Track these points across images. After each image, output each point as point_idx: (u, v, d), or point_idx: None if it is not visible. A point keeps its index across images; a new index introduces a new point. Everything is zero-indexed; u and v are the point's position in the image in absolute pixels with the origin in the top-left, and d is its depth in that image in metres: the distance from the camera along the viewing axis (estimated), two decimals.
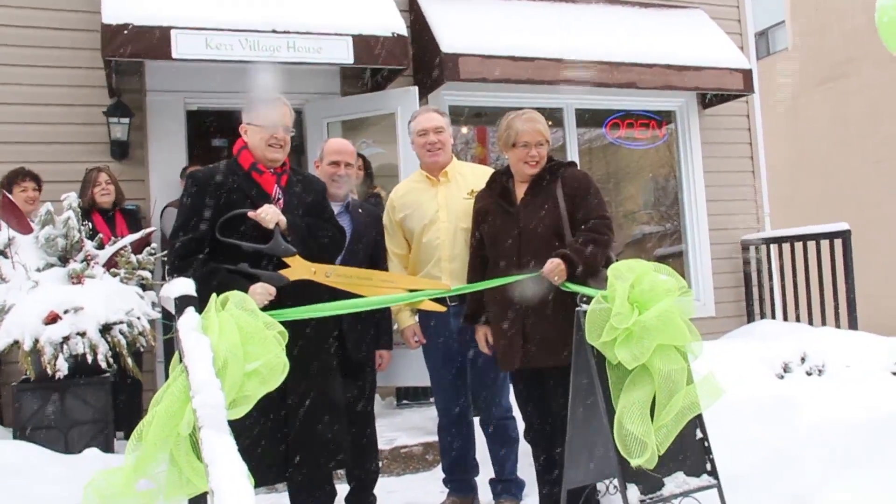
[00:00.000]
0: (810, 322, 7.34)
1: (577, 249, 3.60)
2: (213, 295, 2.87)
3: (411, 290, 3.83)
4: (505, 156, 4.06)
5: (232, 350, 2.67)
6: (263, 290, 3.20)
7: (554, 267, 3.56)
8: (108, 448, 4.55)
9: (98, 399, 4.68)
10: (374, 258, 4.28)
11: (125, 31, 5.38)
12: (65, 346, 4.44)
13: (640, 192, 8.48)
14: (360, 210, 4.35)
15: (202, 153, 7.58)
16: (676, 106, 8.21)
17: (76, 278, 4.72)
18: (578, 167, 4.15)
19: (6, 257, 4.71)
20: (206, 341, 2.64)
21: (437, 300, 3.88)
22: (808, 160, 14.73)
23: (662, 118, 8.25)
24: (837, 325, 7.10)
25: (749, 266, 8.17)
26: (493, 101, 7.22)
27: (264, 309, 2.97)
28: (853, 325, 7.02)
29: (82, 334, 4.49)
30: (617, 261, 3.60)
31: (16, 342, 4.42)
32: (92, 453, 4.23)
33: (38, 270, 4.67)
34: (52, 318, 4.43)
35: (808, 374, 5.10)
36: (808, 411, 4.24)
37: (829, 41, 14.46)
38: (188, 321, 2.75)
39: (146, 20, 5.45)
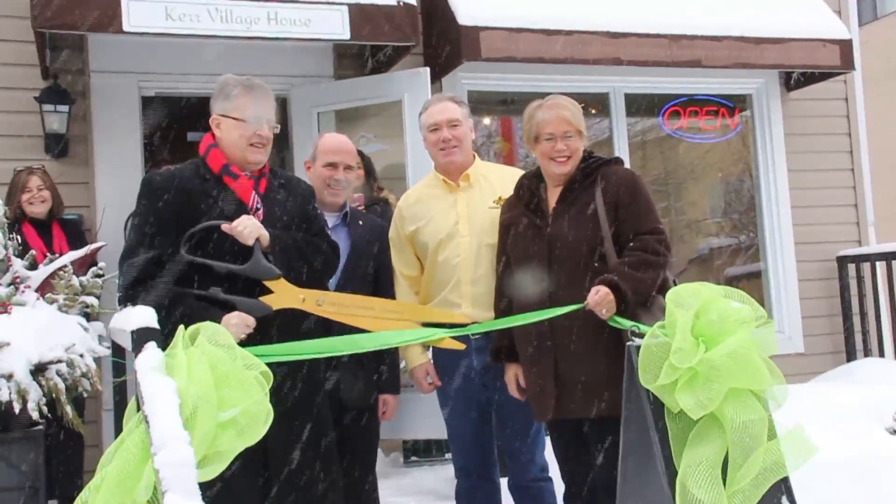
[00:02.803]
0: None
1: (626, 275, 3.63)
2: (181, 327, 2.92)
3: (424, 324, 3.86)
4: (534, 154, 4.11)
5: (203, 395, 2.70)
6: (240, 321, 3.25)
7: (601, 298, 3.59)
8: None
9: (26, 459, 4.65)
10: (378, 281, 4.36)
11: None
12: None
13: (707, 197, 8.52)
14: (360, 222, 4.41)
15: (175, 150, 7.69)
16: (753, 88, 8.26)
17: (0, 307, 4.78)
18: (626, 165, 4.17)
19: None
20: (172, 384, 2.68)
21: (456, 337, 3.88)
22: None
23: (735, 104, 8.31)
24: None
25: (848, 290, 8.17)
26: (521, 85, 7.32)
27: (242, 344, 3.02)
28: None
29: (8, 377, 4.53)
30: (676, 283, 3.64)
31: None
32: None
33: None
34: None
35: None
36: None
37: None
38: (149, 359, 2.79)
39: None
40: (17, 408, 4.45)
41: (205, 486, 2.49)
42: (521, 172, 4.30)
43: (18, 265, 4.93)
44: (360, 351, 3.67)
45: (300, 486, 3.41)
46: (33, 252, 5.23)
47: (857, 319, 8.13)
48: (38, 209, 5.75)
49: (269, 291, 3.39)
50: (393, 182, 6.51)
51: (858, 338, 8.10)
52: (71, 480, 5.52)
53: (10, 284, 4.85)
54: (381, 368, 4.33)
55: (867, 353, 8.01)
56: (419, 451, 6.53)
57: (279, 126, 3.66)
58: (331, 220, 4.14)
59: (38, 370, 4.60)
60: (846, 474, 4.26)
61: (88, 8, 5.46)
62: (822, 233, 8.27)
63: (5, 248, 4.89)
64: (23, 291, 4.85)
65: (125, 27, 5.51)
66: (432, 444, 6.40)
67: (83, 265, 5.25)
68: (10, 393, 4.45)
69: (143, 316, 2.98)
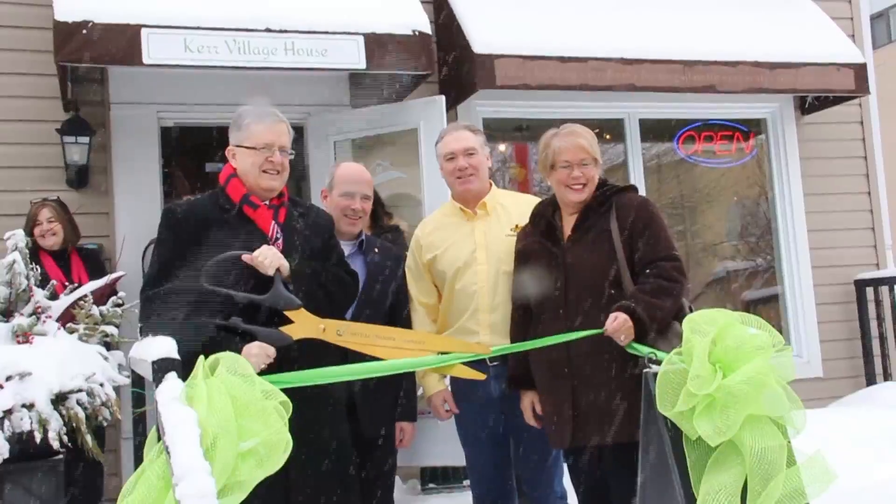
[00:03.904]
0: None
1: (644, 301, 3.64)
2: (201, 357, 2.93)
3: (442, 353, 3.87)
4: (549, 182, 4.13)
5: (223, 425, 2.71)
6: (261, 352, 3.25)
7: (619, 325, 3.59)
8: None
9: (47, 488, 4.67)
10: (394, 308, 4.37)
11: (84, 31, 5.47)
12: (6, 422, 4.48)
13: (723, 220, 8.51)
14: (375, 250, 4.43)
15: (195, 180, 7.74)
16: (768, 113, 8.28)
17: (22, 336, 4.79)
18: (641, 191, 4.18)
19: None
20: (192, 415, 2.70)
21: (474, 365, 3.87)
22: None
23: (750, 128, 8.32)
24: None
25: (866, 313, 8.14)
26: (536, 112, 7.36)
27: (262, 374, 3.03)
28: None
29: (29, 407, 4.54)
30: (693, 309, 3.65)
31: None
32: None
33: None
34: None
35: None
36: None
37: None
38: (170, 390, 2.81)
39: (110, 17, 5.55)
40: (38, 437, 4.47)
41: None
42: (536, 200, 4.32)
43: (40, 295, 4.96)
44: (376, 375, 3.66)
45: (324, 501, 3.41)
46: (54, 282, 5.27)
47: (875, 343, 8.10)
48: (49, 242, 5.80)
49: (289, 321, 3.40)
50: (409, 210, 6.54)
51: (878, 361, 8.06)
52: None
53: (31, 314, 4.88)
54: (399, 396, 4.33)
55: (886, 377, 7.98)
56: (437, 478, 6.50)
57: (294, 153, 3.68)
58: (347, 248, 4.15)
59: (59, 399, 4.61)
60: (868, 501, 4.23)
61: (109, 41, 5.52)
62: (839, 256, 8.25)
63: (27, 278, 4.93)
64: (44, 321, 4.88)
65: (145, 60, 5.56)
66: (450, 471, 6.38)
67: (103, 295, 5.28)
68: (31, 423, 4.47)
69: (164, 346, 2.98)
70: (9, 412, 4.45)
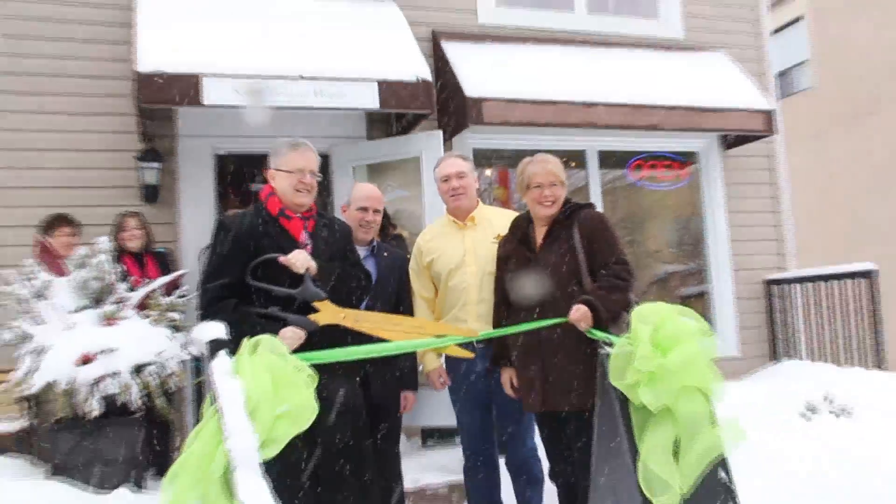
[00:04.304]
0: (836, 362, 7.29)
1: (600, 296, 3.63)
2: (245, 339, 2.93)
3: (439, 336, 3.86)
4: (525, 200, 4.11)
5: (263, 393, 2.72)
6: (293, 335, 3.25)
7: (581, 315, 3.59)
8: (138, 486, 4.60)
9: (130, 438, 4.72)
10: (399, 300, 4.35)
11: (158, 80, 5.50)
12: (98, 387, 4.51)
13: (664, 232, 8.50)
14: (385, 254, 4.42)
15: (241, 197, 7.74)
16: (699, 147, 8.27)
17: (109, 320, 4.81)
18: (598, 208, 4.17)
19: (43, 300, 4.82)
20: (238, 384, 2.70)
21: (464, 346, 3.89)
22: (833, 199, 14.67)
23: (685, 159, 8.30)
24: (865, 366, 7.03)
25: (773, 306, 8.16)
26: (515, 143, 7.31)
27: (294, 353, 3.03)
28: (881, 365, 6.95)
29: (114, 375, 4.57)
30: (638, 302, 3.65)
31: (51, 383, 4.51)
32: (121, 493, 4.28)
33: (73, 312, 4.77)
34: (86, 360, 4.52)
35: (835, 415, 5.06)
36: (834, 455, 4.22)
37: (852, 80, 14.46)
38: (221, 364, 2.81)
39: (178, 68, 5.56)
40: (121, 400, 4.55)
41: (265, 465, 2.50)
42: (515, 214, 4.31)
43: (121, 288, 5.00)
44: (385, 354, 3.65)
45: (344, 456, 3.40)
46: (132, 278, 5.29)
47: (780, 330, 8.12)
48: (133, 244, 5.78)
49: (315, 310, 3.39)
50: (412, 222, 6.53)
51: (781, 344, 8.08)
52: (163, 456, 5.51)
53: (115, 303, 4.90)
54: (403, 370, 4.32)
55: (788, 356, 7.99)
56: (434, 436, 6.51)
57: (321, 176, 3.67)
58: (362, 252, 4.14)
59: (137, 370, 4.67)
60: (770, 453, 4.25)
61: (176, 88, 5.53)
62: (752, 261, 8.27)
63: (112, 274, 4.94)
64: (125, 309, 4.91)
65: (204, 102, 5.57)
66: (445, 431, 6.36)
67: (170, 288, 5.28)
68: (116, 387, 4.54)
69: (216, 330, 2.98)
70: (99, 379, 4.53)
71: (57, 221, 5.70)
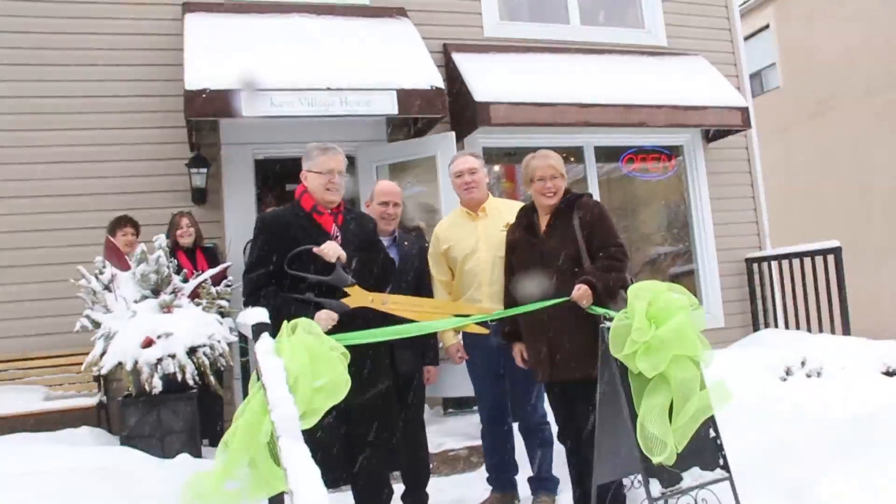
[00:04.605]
0: (809, 330, 7.25)
1: (599, 276, 3.59)
2: (284, 322, 2.92)
3: (457, 316, 3.84)
4: (529, 192, 4.07)
5: (302, 369, 2.71)
6: (327, 317, 3.24)
7: (582, 293, 3.55)
8: (196, 453, 4.63)
9: (187, 411, 4.76)
10: (419, 284, 4.32)
11: (203, 95, 5.50)
12: (158, 367, 4.55)
13: (654, 218, 8.43)
14: (406, 243, 4.40)
15: (278, 196, 7.74)
16: (684, 141, 8.17)
17: (166, 308, 4.82)
18: (595, 197, 4.13)
19: (110, 291, 4.85)
20: (280, 362, 2.69)
21: (480, 324, 3.85)
22: (801, 186, 14.66)
23: (672, 152, 8.22)
24: (833, 332, 6.98)
25: (753, 281, 8.08)
26: (521, 141, 7.24)
27: (328, 333, 3.01)
28: (847, 331, 6.91)
29: (172, 356, 4.59)
30: (634, 281, 3.62)
31: (119, 363, 4.57)
32: (183, 458, 4.31)
33: (136, 302, 4.79)
34: (148, 343, 4.55)
35: (808, 376, 5.02)
36: (808, 410, 4.21)
37: (815, 80, 14.45)
38: (264, 345, 2.81)
39: (220, 85, 5.57)
40: (179, 377, 4.59)
41: (305, 433, 2.48)
42: (521, 205, 4.27)
43: (176, 280, 5.01)
44: (411, 335, 3.63)
45: (374, 422, 3.40)
46: (185, 270, 5.31)
47: (759, 302, 8.05)
48: (187, 241, 5.80)
49: (346, 295, 3.38)
50: (429, 214, 6.49)
51: (761, 315, 8.02)
52: (215, 427, 5.55)
53: (171, 293, 4.92)
54: (426, 347, 4.30)
55: (766, 326, 7.93)
56: (454, 405, 6.49)
57: (347, 175, 3.64)
58: (385, 241, 4.12)
59: (191, 351, 4.69)
60: (753, 411, 4.24)
61: (220, 103, 5.54)
62: (734, 242, 8.19)
63: (168, 268, 4.96)
64: (179, 298, 4.92)
65: (244, 113, 5.56)
66: (464, 400, 6.34)
67: (218, 279, 5.29)
68: (174, 367, 4.58)
69: (259, 314, 2.98)
70: (160, 360, 4.57)
71: (120, 222, 5.73)
